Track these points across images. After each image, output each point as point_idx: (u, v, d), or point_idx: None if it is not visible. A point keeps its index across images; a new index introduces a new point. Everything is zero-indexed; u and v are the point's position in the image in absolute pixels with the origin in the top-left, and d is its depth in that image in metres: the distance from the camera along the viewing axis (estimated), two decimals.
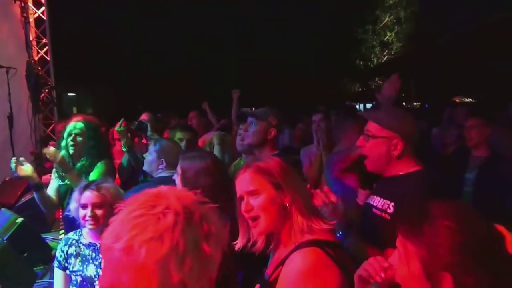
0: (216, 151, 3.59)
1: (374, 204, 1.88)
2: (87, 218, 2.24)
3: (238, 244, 1.60)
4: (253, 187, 1.52)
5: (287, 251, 1.47)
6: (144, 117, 4.37)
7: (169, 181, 2.61)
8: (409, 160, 1.87)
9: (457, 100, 14.88)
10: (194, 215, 0.83)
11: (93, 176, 2.98)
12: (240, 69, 19.45)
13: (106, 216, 2.23)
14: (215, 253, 0.84)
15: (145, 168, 2.93)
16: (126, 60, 18.38)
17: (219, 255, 0.86)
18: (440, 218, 0.99)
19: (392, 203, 1.78)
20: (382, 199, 1.85)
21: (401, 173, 1.86)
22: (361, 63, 23.54)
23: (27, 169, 2.80)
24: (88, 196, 2.26)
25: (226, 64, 19.63)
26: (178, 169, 2.15)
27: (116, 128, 3.81)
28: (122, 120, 3.74)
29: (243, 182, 1.55)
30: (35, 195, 2.94)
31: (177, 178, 2.15)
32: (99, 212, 2.24)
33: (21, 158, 2.83)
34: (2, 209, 3.40)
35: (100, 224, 2.24)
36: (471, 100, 14.55)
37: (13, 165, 2.76)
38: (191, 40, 19.94)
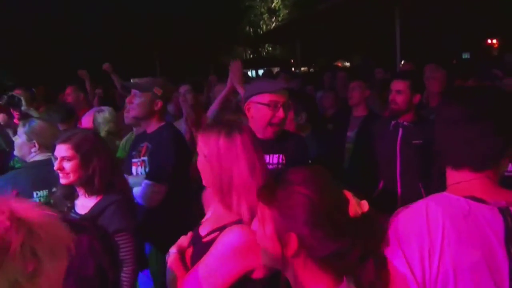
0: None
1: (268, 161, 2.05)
2: None
3: None
4: (203, 150, 1.55)
5: (228, 220, 1.49)
6: (15, 92, 3.87)
7: (44, 165, 2.37)
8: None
9: (339, 65, 16.05)
10: (11, 245, 0.58)
11: None
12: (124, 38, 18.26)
13: None
14: (52, 279, 0.63)
15: (16, 153, 2.63)
16: None
17: (59, 275, 0.66)
18: (292, 184, 1.06)
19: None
20: (271, 155, 2.06)
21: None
22: (251, 30, 23.84)
23: None
24: None
25: (105, 31, 18.14)
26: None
27: None
28: None
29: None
30: None
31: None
32: None
33: None
34: None
35: None
36: (349, 64, 15.81)
37: None
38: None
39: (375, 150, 2.93)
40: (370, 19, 9.13)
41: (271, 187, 1.10)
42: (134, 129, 3.31)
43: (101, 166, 1.94)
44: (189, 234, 1.66)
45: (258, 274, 1.45)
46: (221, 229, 1.50)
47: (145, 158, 2.59)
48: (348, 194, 1.08)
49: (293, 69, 15.55)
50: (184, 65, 17.43)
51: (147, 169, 2.56)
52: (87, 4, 17.93)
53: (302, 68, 15.87)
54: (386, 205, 1.11)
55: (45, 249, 0.61)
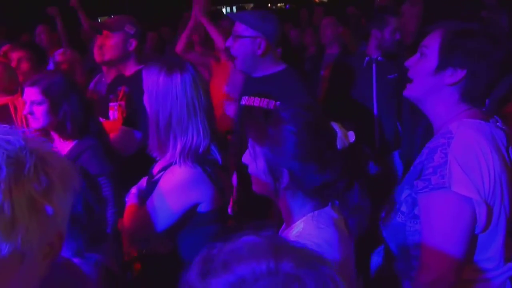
0: None
1: (256, 104, 2.02)
2: None
3: None
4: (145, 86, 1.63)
5: (170, 160, 1.56)
6: None
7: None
8: (273, 58, 2.04)
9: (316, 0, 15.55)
10: (25, 166, 0.65)
11: None
12: None
13: None
14: (61, 206, 0.69)
15: None
16: None
17: (67, 205, 0.72)
18: (283, 122, 1.11)
19: (276, 102, 1.95)
20: (262, 99, 2.01)
21: (271, 72, 2.05)
22: None
23: None
24: None
25: None
26: (24, 97, 1.95)
27: None
28: None
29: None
30: None
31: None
32: None
33: None
34: None
35: None
36: None
37: None
38: None
39: (350, 88, 2.96)
40: None
41: (261, 125, 1.14)
42: (104, 69, 3.17)
43: (73, 110, 1.89)
44: (144, 178, 1.74)
45: (204, 208, 1.57)
46: (164, 168, 1.57)
47: (123, 102, 2.52)
48: (336, 126, 1.13)
49: (269, 5, 15.05)
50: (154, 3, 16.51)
51: (124, 114, 2.50)
52: None
53: (279, 4, 15.38)
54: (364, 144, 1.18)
55: (57, 174, 0.68)
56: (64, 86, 1.92)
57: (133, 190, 1.71)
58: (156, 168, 1.67)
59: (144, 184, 1.71)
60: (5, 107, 2.59)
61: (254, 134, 1.16)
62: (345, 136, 1.12)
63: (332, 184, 1.11)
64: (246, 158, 1.21)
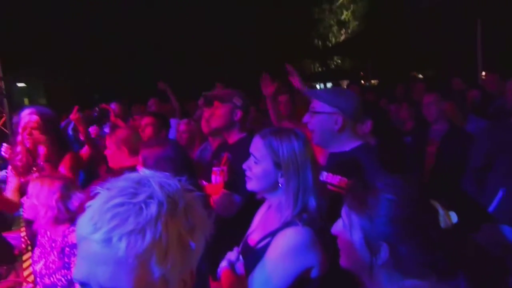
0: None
1: (328, 180, 1.97)
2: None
3: None
4: (256, 155, 1.64)
5: (278, 224, 1.54)
6: (111, 106, 4.25)
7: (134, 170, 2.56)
8: (351, 135, 2.02)
9: (415, 75, 15.40)
10: (178, 205, 0.77)
11: (62, 170, 2.87)
12: (197, 50, 19.15)
13: (32, 210, 2.18)
14: (199, 245, 0.80)
15: (111, 163, 2.81)
16: (78, 47, 17.53)
17: (202, 247, 0.82)
18: (383, 191, 1.06)
19: (346, 179, 1.89)
20: (334, 175, 1.96)
21: (347, 149, 2.01)
22: (320, 42, 23.76)
23: None
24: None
25: (184, 45, 19.17)
26: (139, 157, 2.13)
27: (72, 116, 3.60)
28: (76, 108, 3.56)
29: (254, 144, 1.68)
30: None
31: (138, 167, 2.11)
32: (27, 202, 2.20)
33: None
34: None
35: (28, 216, 2.22)
36: (422, 76, 15.08)
37: None
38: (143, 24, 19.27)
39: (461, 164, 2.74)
40: (449, 30, 8.74)
41: (361, 193, 1.10)
42: (210, 139, 3.43)
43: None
44: (235, 249, 1.69)
45: (315, 273, 1.47)
46: (272, 234, 1.53)
47: (225, 167, 2.65)
48: (435, 205, 1.06)
49: (362, 82, 15.22)
50: (252, 77, 17.80)
51: (225, 179, 2.62)
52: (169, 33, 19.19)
53: (373, 81, 15.48)
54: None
55: (199, 218, 0.81)
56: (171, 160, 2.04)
57: (224, 264, 1.64)
58: (254, 238, 1.64)
59: (234, 257, 1.65)
60: (133, 168, 2.88)
61: (352, 202, 1.11)
62: (447, 216, 1.03)
63: (434, 266, 1.01)
64: (337, 229, 1.15)
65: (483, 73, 6.54)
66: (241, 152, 2.60)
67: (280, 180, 1.57)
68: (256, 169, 1.63)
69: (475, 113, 3.98)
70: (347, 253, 1.12)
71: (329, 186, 1.94)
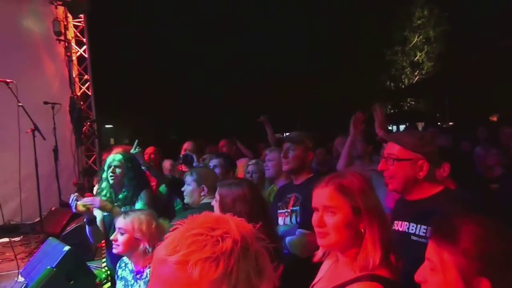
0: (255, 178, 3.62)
1: (411, 231, 1.83)
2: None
3: None
4: (331, 204, 1.47)
5: (347, 277, 1.44)
6: (186, 146, 4.51)
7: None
8: (432, 181, 1.86)
9: (494, 119, 14.39)
10: (250, 248, 0.81)
11: (138, 206, 3.09)
12: (265, 91, 19.86)
13: (126, 244, 2.34)
14: None
15: (186, 200, 2.93)
16: (161, 92, 19.07)
17: None
18: (473, 226, 1.02)
19: (428, 227, 1.72)
20: (419, 225, 1.80)
21: (427, 196, 1.85)
22: (392, 84, 23.30)
23: (84, 205, 2.95)
24: (117, 220, 2.42)
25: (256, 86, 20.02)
26: (217, 195, 2.18)
27: (131, 150, 3.75)
28: (136, 142, 3.78)
29: (322, 196, 1.50)
30: (87, 228, 3.07)
31: (215, 205, 2.18)
32: (120, 237, 2.35)
33: (83, 198, 3.00)
34: (50, 238, 3.54)
35: (121, 250, 2.35)
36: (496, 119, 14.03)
37: (73, 202, 2.92)
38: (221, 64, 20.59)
39: None
40: None
41: (451, 231, 1.05)
42: (275, 181, 3.44)
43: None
44: None
45: None
46: (342, 286, 1.44)
47: (295, 208, 2.66)
48: None
49: (439, 123, 14.53)
50: (325, 119, 17.93)
51: (298, 219, 2.61)
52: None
53: (450, 123, 14.73)
54: None
55: (267, 267, 0.84)
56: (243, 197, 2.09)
57: None
58: (321, 284, 1.57)
59: None
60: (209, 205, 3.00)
61: (442, 239, 1.06)
62: None
63: None
64: (422, 274, 1.09)
65: None
66: (309, 191, 2.60)
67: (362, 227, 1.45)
68: (333, 220, 1.47)
69: None
70: None
71: (413, 237, 1.79)
